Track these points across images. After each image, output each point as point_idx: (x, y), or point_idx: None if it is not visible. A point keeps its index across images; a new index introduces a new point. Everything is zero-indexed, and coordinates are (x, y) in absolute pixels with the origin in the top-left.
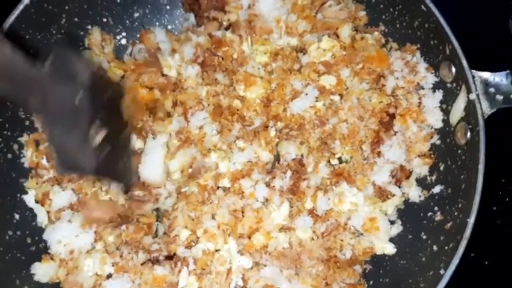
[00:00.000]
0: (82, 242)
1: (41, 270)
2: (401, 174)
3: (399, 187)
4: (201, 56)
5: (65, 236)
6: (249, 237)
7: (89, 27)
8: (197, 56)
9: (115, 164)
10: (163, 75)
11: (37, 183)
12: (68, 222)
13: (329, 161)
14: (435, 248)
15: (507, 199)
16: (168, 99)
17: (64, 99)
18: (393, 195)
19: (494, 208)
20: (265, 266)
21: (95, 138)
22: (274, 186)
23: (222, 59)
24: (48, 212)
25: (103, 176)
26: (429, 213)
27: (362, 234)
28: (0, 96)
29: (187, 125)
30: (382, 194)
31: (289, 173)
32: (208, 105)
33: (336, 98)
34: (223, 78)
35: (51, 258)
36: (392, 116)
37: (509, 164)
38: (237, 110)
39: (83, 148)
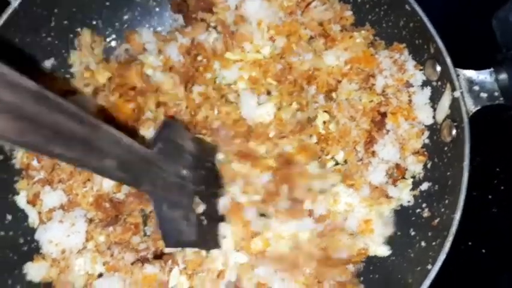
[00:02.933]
0: (73, 242)
1: (33, 270)
2: (397, 173)
3: (396, 186)
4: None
5: (57, 236)
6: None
7: (79, 29)
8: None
9: (208, 233)
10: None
11: (28, 184)
12: (59, 222)
13: (324, 165)
14: (423, 244)
15: (502, 187)
16: (151, 100)
17: (171, 176)
18: (391, 197)
19: (490, 197)
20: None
21: (195, 212)
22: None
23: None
24: (39, 213)
25: (201, 247)
26: (418, 210)
27: (357, 236)
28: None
29: None
30: (379, 195)
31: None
32: (187, 107)
33: None
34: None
35: (43, 258)
36: (384, 115)
37: (503, 154)
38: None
39: (185, 223)
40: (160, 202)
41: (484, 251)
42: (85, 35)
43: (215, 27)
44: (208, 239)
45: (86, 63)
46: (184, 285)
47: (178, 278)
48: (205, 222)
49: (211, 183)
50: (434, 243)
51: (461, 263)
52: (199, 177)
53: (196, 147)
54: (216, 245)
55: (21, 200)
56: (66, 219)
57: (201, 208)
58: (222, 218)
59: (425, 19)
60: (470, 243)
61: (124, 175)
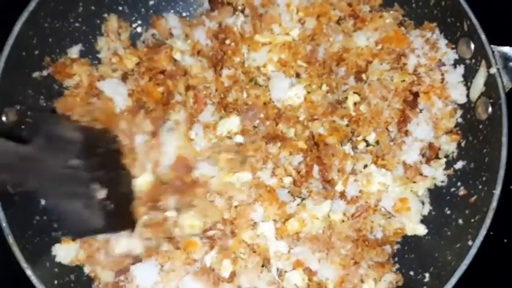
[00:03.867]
0: None
1: (62, 252)
2: (430, 153)
3: (429, 166)
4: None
5: None
6: (283, 222)
7: (106, 15)
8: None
9: (118, 215)
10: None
11: None
12: None
13: (355, 146)
14: (460, 221)
15: None
16: (180, 83)
17: (59, 169)
18: (425, 176)
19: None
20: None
21: (96, 198)
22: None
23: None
24: None
25: (112, 231)
26: (452, 189)
27: (393, 216)
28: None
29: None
30: (414, 174)
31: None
32: (216, 90)
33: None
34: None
35: (73, 240)
36: (416, 95)
37: None
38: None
39: (87, 212)
40: (51, 197)
41: (505, 240)
42: (112, 21)
43: (242, 11)
44: (119, 221)
45: (114, 48)
46: (227, 268)
47: (221, 261)
48: (111, 206)
49: (110, 166)
50: (472, 220)
51: (483, 252)
52: (94, 164)
53: (83, 135)
54: (131, 224)
55: None
56: None
57: (101, 193)
58: (131, 196)
59: None
60: (491, 233)
61: (3, 177)
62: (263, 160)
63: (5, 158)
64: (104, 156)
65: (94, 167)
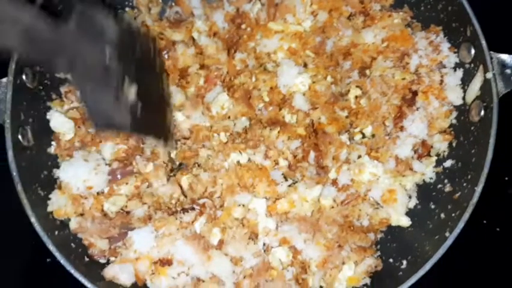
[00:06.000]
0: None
1: (55, 198)
2: (422, 150)
3: (420, 162)
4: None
5: (82, 173)
6: (274, 201)
7: None
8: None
9: (151, 120)
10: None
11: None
12: (84, 161)
13: (352, 137)
14: (442, 215)
15: None
16: (196, 61)
17: (92, 57)
18: (415, 172)
19: (506, 178)
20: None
21: (127, 94)
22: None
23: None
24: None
25: (139, 133)
26: (439, 186)
27: (380, 206)
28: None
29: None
30: (405, 168)
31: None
32: (227, 72)
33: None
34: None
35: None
36: (415, 93)
37: None
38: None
39: (116, 105)
40: (81, 83)
41: (498, 229)
42: None
43: None
44: (147, 126)
45: (142, 19)
46: (216, 236)
47: (210, 228)
48: (139, 107)
49: (143, 67)
50: (453, 214)
51: (476, 240)
52: (126, 58)
53: (120, 26)
54: (161, 134)
55: None
56: (91, 158)
57: (132, 90)
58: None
59: (465, 2)
60: (485, 222)
61: (33, 56)
62: (255, 143)
63: (36, 35)
64: (141, 56)
65: (128, 61)
